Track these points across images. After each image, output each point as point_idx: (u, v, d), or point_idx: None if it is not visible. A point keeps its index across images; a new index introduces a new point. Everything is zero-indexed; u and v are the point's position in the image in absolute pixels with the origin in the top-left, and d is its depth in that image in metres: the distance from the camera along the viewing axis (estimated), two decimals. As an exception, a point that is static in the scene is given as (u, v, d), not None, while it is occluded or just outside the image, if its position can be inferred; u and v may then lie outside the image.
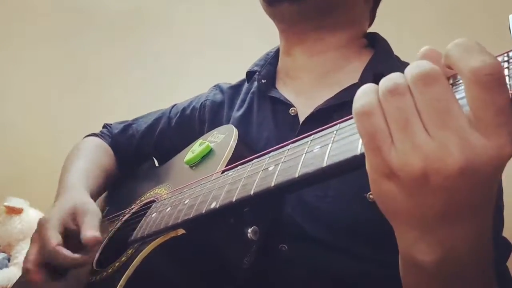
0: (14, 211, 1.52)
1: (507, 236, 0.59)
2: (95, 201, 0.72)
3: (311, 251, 0.58)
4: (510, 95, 0.26)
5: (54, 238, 0.58)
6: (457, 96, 0.29)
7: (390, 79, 0.29)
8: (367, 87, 0.31)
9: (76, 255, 0.57)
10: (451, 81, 0.30)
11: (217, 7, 1.70)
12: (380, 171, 0.30)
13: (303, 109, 0.66)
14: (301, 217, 0.58)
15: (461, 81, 0.29)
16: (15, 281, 0.79)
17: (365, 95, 0.30)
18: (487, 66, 0.25)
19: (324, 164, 0.35)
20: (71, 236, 0.61)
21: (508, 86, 0.26)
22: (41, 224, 0.61)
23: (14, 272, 1.42)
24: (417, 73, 0.28)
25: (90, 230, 0.59)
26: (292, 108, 0.67)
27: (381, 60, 0.67)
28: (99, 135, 0.91)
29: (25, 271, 0.58)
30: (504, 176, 0.59)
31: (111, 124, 0.94)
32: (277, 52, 0.78)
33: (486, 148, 0.26)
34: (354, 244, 0.56)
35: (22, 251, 1.49)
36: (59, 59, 1.82)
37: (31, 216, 1.56)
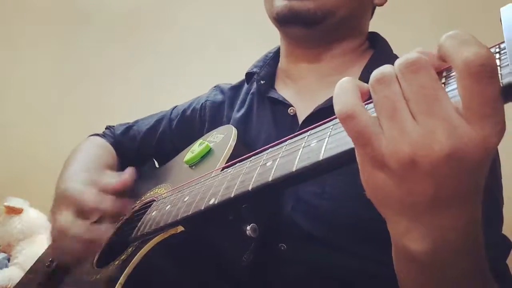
0: (14, 211, 1.53)
1: (507, 234, 0.59)
2: None
3: (310, 249, 0.58)
4: (501, 84, 0.26)
5: (90, 194, 0.58)
6: (449, 88, 0.29)
7: (378, 70, 0.30)
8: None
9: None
10: (444, 74, 0.31)
11: (217, 8, 1.70)
12: (370, 161, 0.30)
13: (303, 109, 0.66)
14: (299, 215, 0.58)
15: (453, 73, 0.30)
16: (15, 281, 0.79)
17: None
18: (480, 57, 0.26)
19: (321, 157, 0.35)
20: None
21: (500, 76, 0.27)
22: (67, 193, 0.60)
23: (14, 272, 1.42)
24: (404, 61, 0.29)
25: (114, 178, 0.59)
26: (291, 108, 0.68)
27: (380, 59, 0.67)
28: (102, 135, 0.91)
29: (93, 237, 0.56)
30: (504, 176, 0.59)
31: (113, 126, 0.94)
32: (276, 53, 0.79)
33: (472, 137, 0.27)
34: (352, 242, 0.56)
35: (22, 251, 1.49)
36: (59, 59, 1.83)
37: (31, 216, 1.56)
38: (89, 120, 1.56)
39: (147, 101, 1.64)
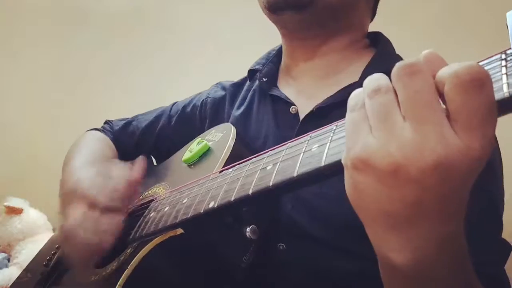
0: (14, 211, 1.53)
1: (506, 237, 0.58)
2: None
3: (309, 249, 0.58)
4: (508, 94, 0.26)
5: (100, 188, 0.59)
6: None
7: (374, 80, 0.30)
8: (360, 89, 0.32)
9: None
10: None
11: (217, 7, 1.70)
12: (356, 160, 0.30)
13: (304, 108, 0.66)
14: (299, 215, 0.58)
15: None
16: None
17: (356, 96, 0.32)
18: (467, 68, 0.26)
19: (322, 163, 0.35)
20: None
21: (507, 85, 0.26)
22: (77, 188, 0.61)
23: (14, 272, 1.42)
24: (401, 64, 0.28)
25: (126, 171, 0.61)
26: (293, 106, 0.67)
27: (382, 60, 0.67)
28: (101, 130, 0.91)
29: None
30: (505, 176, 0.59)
31: (112, 121, 0.94)
32: (279, 50, 0.79)
33: (459, 148, 0.26)
34: (351, 242, 0.56)
35: (22, 251, 1.50)
36: (59, 59, 1.82)
37: (31, 216, 1.56)
38: (89, 120, 1.56)
39: (146, 101, 1.63)
